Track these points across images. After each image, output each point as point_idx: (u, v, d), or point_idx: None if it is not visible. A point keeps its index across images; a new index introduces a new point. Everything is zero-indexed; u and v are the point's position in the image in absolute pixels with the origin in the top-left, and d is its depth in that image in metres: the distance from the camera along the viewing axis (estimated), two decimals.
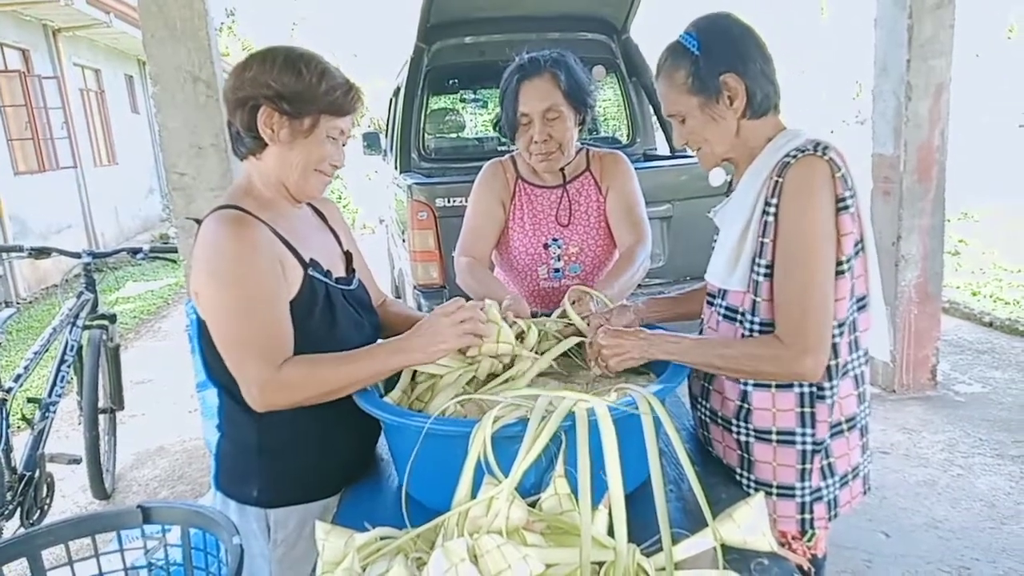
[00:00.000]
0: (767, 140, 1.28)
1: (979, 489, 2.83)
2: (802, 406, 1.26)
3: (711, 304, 1.39)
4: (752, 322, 1.27)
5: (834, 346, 1.23)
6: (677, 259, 3.43)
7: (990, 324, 4.76)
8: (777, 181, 1.21)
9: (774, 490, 1.30)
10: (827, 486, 1.29)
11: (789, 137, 1.26)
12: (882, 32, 3.58)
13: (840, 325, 1.23)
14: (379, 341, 1.33)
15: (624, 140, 4.52)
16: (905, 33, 3.42)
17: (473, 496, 1.04)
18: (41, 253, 2.91)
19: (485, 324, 1.23)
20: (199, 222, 1.24)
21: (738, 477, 1.34)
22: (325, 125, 1.24)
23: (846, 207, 1.19)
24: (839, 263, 1.20)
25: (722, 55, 1.25)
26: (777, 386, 1.27)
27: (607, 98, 4.52)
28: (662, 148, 4.47)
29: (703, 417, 1.42)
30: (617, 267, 1.76)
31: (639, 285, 1.82)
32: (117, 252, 3.14)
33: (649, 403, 1.13)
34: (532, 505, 1.03)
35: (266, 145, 1.24)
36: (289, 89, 1.20)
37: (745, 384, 1.30)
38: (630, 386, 1.19)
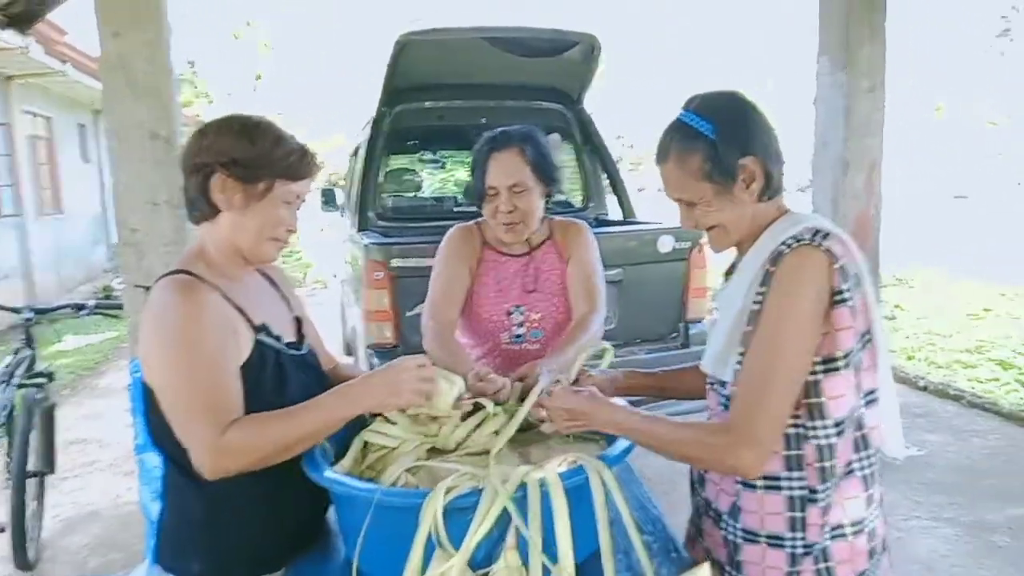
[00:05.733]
0: (770, 222, 1.22)
1: (918, 552, 2.90)
2: (792, 510, 1.18)
3: (711, 387, 1.32)
4: None
5: (830, 447, 1.16)
6: (628, 321, 3.50)
7: (924, 388, 4.95)
8: (769, 270, 1.15)
9: None
10: None
11: (791, 222, 1.20)
12: (821, 110, 3.80)
13: (838, 424, 1.16)
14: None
15: (578, 205, 4.64)
16: (842, 113, 3.64)
17: (423, 569, 1.04)
18: None
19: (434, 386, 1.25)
20: (147, 289, 1.24)
21: (725, 574, 1.28)
22: (280, 189, 1.26)
23: (843, 300, 1.12)
24: (833, 359, 1.14)
25: (739, 137, 1.18)
26: (765, 487, 1.20)
27: (563, 163, 4.66)
28: (613, 213, 4.60)
29: (698, 505, 1.37)
30: (571, 335, 1.80)
31: None
32: (61, 308, 3.06)
33: (599, 473, 1.15)
34: None
35: (220, 211, 1.26)
36: (244, 155, 1.23)
37: (738, 481, 1.23)
38: (581, 455, 1.21)
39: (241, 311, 1.25)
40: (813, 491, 1.17)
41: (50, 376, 3.09)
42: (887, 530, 1.29)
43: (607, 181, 4.55)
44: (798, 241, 1.14)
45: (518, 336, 1.92)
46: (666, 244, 3.42)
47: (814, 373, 1.15)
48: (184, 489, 1.23)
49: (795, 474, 1.18)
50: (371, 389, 1.20)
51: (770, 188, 1.21)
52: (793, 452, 1.18)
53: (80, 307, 3.03)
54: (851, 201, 3.72)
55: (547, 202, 1.90)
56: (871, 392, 1.20)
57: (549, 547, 1.06)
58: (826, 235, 1.14)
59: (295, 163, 1.27)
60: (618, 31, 17.45)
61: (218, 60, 17.02)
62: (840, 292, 1.12)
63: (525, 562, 1.05)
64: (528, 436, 1.41)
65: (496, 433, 1.33)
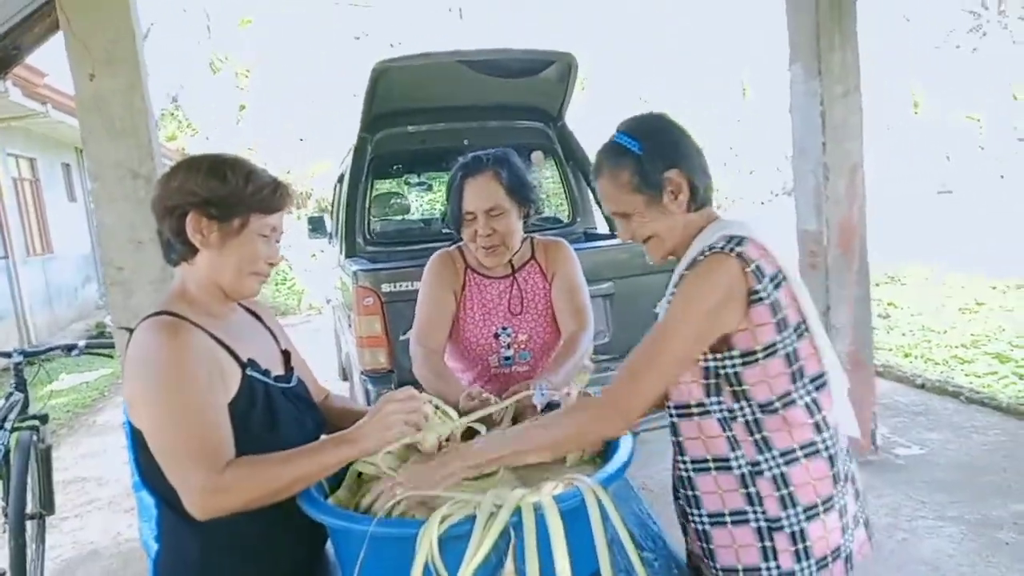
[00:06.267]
0: (700, 231, 1.33)
1: (923, 553, 2.89)
2: (745, 487, 1.27)
3: None
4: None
5: (756, 421, 1.25)
6: (621, 335, 3.50)
7: (922, 386, 4.95)
8: (684, 274, 1.27)
9: (740, 575, 1.27)
10: (802, 570, 1.25)
11: (714, 231, 1.30)
12: (797, 118, 3.84)
13: (764, 406, 1.24)
14: (323, 436, 1.32)
15: (565, 220, 4.67)
16: (819, 119, 3.67)
17: None
18: None
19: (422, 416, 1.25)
20: (131, 331, 1.24)
21: (705, 570, 1.32)
22: (255, 224, 1.27)
23: (759, 299, 1.22)
24: (752, 352, 1.23)
25: (663, 153, 1.30)
26: (716, 468, 1.28)
27: (548, 179, 4.69)
28: (602, 227, 4.62)
29: (683, 506, 1.39)
30: (561, 354, 1.80)
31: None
32: (51, 350, 3.04)
33: (595, 493, 1.15)
34: None
35: (197, 250, 1.26)
36: (216, 193, 1.24)
37: (686, 470, 1.31)
38: (577, 476, 1.20)
39: (227, 348, 1.25)
40: (755, 463, 1.26)
41: (44, 418, 3.05)
42: (858, 507, 1.36)
43: (593, 196, 4.58)
44: (711, 249, 1.25)
45: (507, 358, 1.92)
46: None
47: (733, 367, 1.25)
48: (179, 529, 1.22)
49: (738, 452, 1.27)
50: (364, 431, 1.20)
51: (696, 199, 1.32)
52: (728, 433, 1.27)
53: (71, 348, 3.00)
54: (833, 206, 3.75)
55: (526, 222, 1.91)
56: (819, 376, 1.29)
57: (548, 570, 1.05)
58: (740, 241, 1.24)
59: (268, 196, 1.28)
60: (598, 44, 17.61)
61: (201, 94, 17.03)
62: (755, 292, 1.22)
63: None
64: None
65: None
